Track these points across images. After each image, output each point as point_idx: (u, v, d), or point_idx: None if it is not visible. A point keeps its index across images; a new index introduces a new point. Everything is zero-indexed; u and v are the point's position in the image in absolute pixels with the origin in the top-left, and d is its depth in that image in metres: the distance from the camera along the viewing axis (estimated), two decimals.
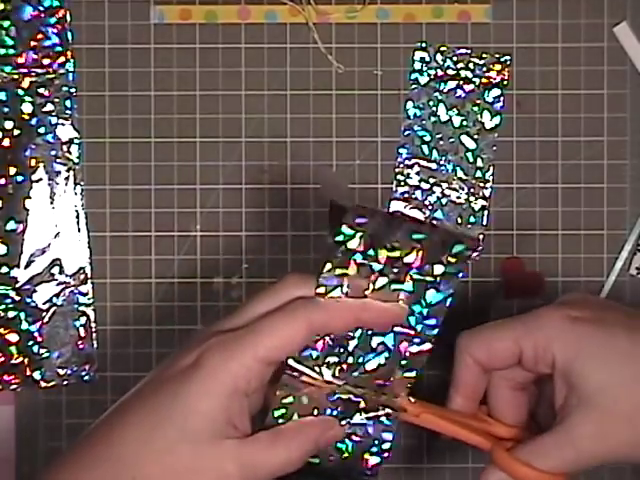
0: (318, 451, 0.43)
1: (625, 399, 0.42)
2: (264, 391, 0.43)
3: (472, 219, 0.59)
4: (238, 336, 0.41)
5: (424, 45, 0.59)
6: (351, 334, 0.43)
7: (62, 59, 0.58)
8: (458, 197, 0.59)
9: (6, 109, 0.58)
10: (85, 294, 0.58)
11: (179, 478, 0.39)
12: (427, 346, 0.43)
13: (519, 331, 0.44)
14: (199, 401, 0.39)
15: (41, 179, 0.58)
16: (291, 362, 0.42)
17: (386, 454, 0.45)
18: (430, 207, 0.59)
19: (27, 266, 0.58)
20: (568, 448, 0.42)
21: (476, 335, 0.45)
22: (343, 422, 0.44)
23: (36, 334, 0.58)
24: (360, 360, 0.43)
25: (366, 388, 0.44)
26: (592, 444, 0.42)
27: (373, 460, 0.45)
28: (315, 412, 0.43)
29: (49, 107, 0.58)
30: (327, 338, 0.42)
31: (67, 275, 0.58)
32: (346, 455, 0.45)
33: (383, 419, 0.44)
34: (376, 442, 0.45)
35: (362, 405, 0.44)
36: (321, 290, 0.42)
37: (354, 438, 0.44)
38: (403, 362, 0.43)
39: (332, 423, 0.43)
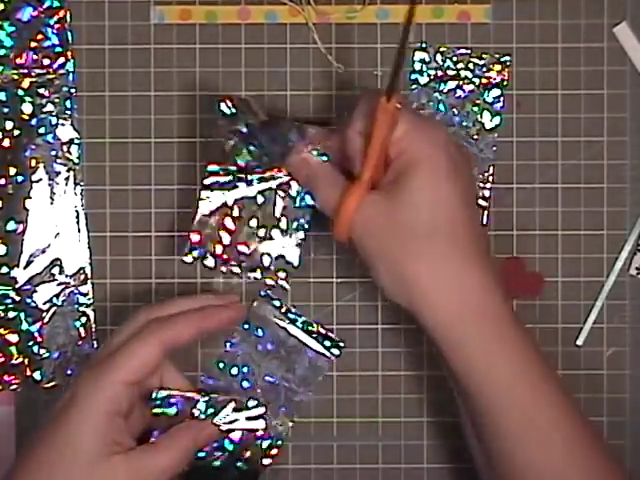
0: (202, 449, 0.51)
1: None
2: (142, 410, 0.50)
3: None
4: (102, 365, 0.48)
5: (424, 45, 0.59)
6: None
7: (62, 59, 0.58)
8: None
9: (6, 109, 0.58)
10: (85, 294, 0.58)
11: None
12: None
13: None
14: (81, 428, 0.46)
15: (41, 179, 0.58)
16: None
17: (271, 449, 0.53)
18: None
19: (27, 266, 0.58)
20: None
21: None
22: (216, 420, 0.50)
23: (36, 334, 0.58)
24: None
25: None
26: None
27: (255, 457, 0.52)
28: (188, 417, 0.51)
29: (49, 107, 0.58)
30: None
31: (67, 275, 0.58)
32: (228, 452, 0.51)
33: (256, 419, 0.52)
34: (258, 441, 0.52)
35: (232, 405, 0.51)
36: (186, 250, 0.54)
37: (232, 436, 0.51)
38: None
39: (205, 424, 0.51)
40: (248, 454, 0.52)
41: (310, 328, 0.57)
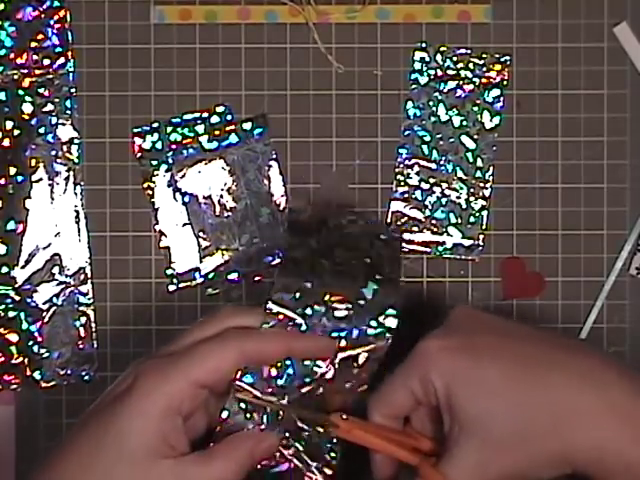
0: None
1: (502, 427, 0.42)
2: (207, 414, 0.45)
3: (472, 219, 0.59)
4: (172, 360, 0.43)
5: (424, 45, 0.59)
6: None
7: (62, 59, 0.58)
8: (458, 197, 0.59)
9: (6, 109, 0.58)
10: (85, 294, 0.58)
11: None
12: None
13: (405, 375, 0.44)
14: (133, 422, 0.41)
15: (41, 179, 0.58)
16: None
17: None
18: (430, 207, 0.59)
19: (27, 266, 0.58)
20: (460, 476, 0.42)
21: (377, 398, 0.46)
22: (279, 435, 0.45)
23: (36, 334, 0.58)
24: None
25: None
26: (474, 475, 0.42)
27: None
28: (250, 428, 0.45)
29: (49, 107, 0.58)
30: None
31: (67, 275, 0.58)
32: None
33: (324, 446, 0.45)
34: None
35: (299, 424, 0.45)
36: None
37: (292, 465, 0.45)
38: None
39: (265, 435, 0.45)
40: None
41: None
